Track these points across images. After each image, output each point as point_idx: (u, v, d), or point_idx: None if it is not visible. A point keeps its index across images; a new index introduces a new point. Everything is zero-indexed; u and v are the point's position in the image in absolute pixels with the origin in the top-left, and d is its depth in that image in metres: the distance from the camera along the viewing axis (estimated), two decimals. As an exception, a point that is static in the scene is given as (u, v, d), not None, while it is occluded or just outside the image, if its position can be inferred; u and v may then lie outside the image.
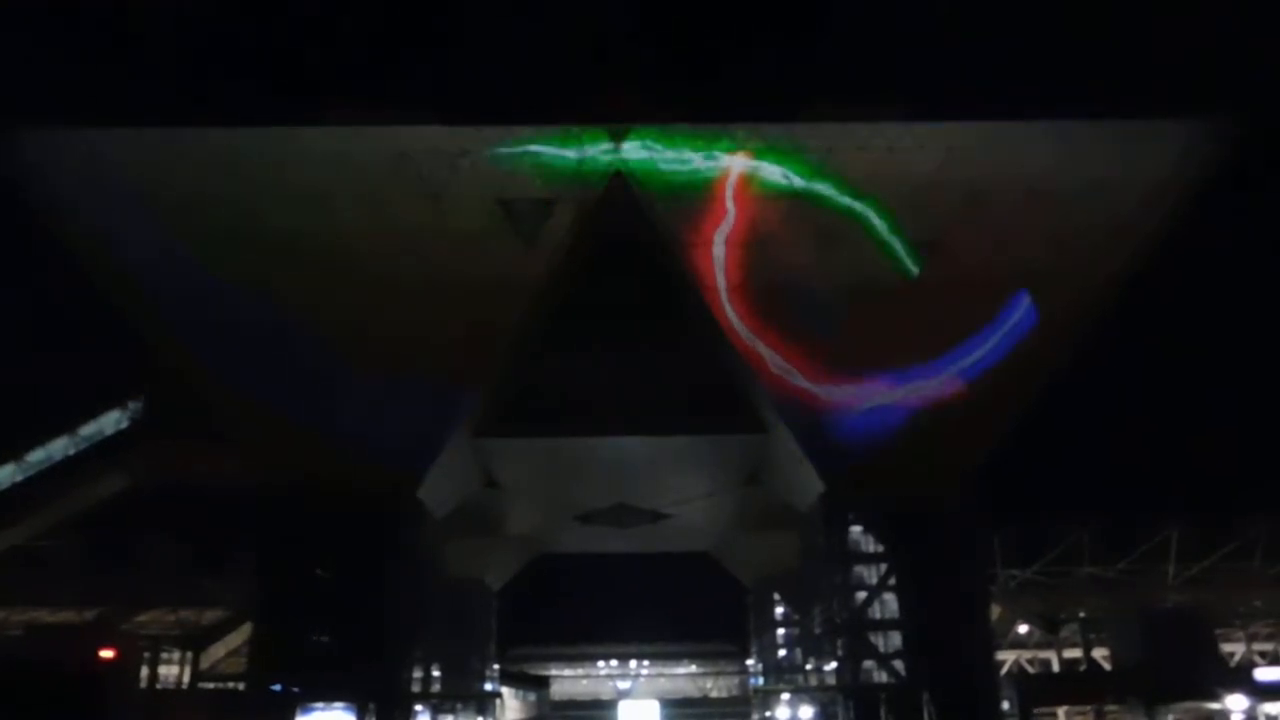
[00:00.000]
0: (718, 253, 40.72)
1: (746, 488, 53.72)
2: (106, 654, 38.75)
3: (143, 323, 42.19)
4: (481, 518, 54.83)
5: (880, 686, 43.79)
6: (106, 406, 53.53)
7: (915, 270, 40.18)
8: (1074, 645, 50.67)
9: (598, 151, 39.48)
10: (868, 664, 44.09)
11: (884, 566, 45.03)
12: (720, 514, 57.45)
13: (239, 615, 50.65)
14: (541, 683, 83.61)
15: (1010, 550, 51.51)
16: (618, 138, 39.36)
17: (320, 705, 42.12)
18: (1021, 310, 41.11)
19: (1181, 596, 50.30)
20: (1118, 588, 51.15)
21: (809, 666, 57.62)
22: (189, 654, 50.45)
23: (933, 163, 39.07)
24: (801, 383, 41.99)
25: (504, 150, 39.11)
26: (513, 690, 73.36)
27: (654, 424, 46.43)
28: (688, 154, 39.56)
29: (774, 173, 39.72)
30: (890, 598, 44.61)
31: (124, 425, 53.58)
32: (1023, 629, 53.28)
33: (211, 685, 51.08)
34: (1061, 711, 44.90)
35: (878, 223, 39.71)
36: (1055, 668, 52.23)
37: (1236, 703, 39.23)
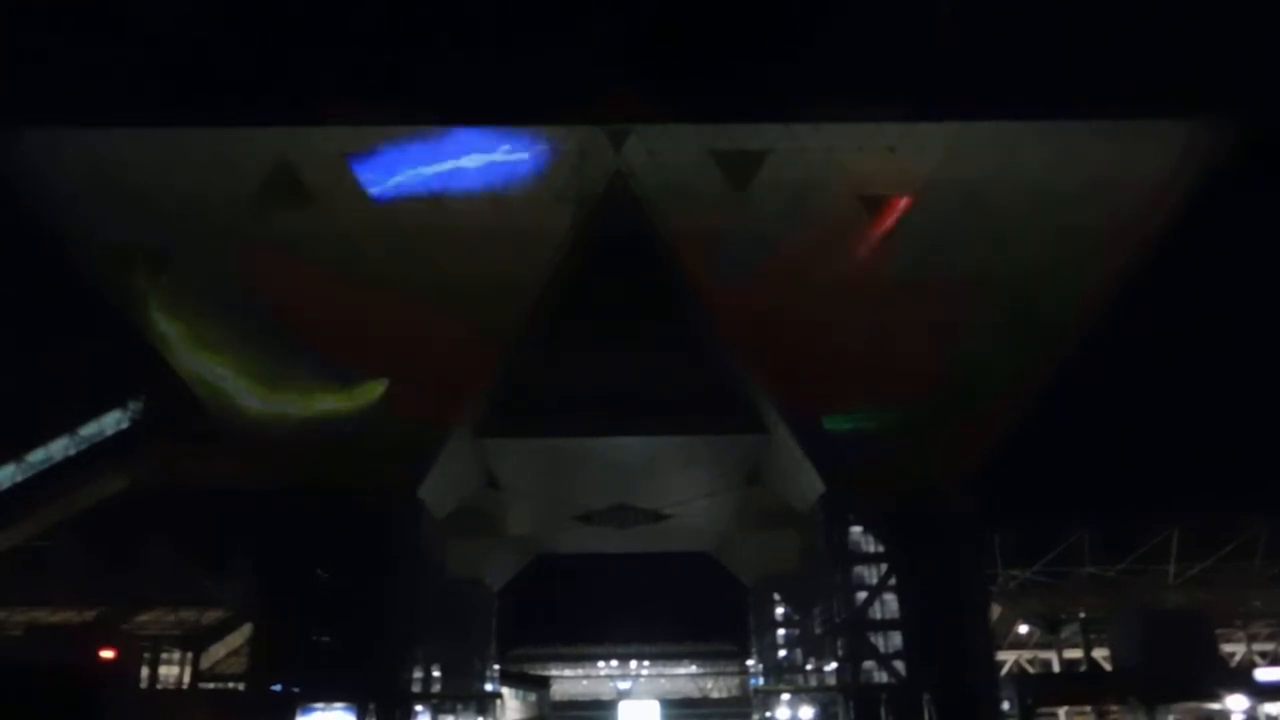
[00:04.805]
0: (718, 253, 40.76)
1: (746, 488, 53.74)
2: (106, 654, 38.90)
3: (142, 323, 42.25)
4: (481, 518, 54.85)
5: (880, 687, 43.79)
6: (106, 406, 53.55)
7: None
8: (1074, 645, 50.56)
9: (598, 151, 39.50)
10: (868, 664, 44.09)
11: (884, 566, 45.03)
12: (720, 514, 57.45)
13: (239, 615, 50.64)
14: (542, 683, 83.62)
15: (1010, 550, 51.47)
16: (618, 138, 39.36)
17: (320, 705, 42.18)
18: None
19: (1181, 596, 50.19)
20: (1118, 588, 51.08)
21: (809, 667, 57.65)
22: (189, 654, 50.46)
23: (933, 163, 39.09)
24: (801, 383, 42.01)
25: (504, 150, 39.14)
26: (513, 690, 73.38)
27: (654, 424, 46.48)
28: (688, 154, 39.55)
29: (774, 172, 39.74)
30: (890, 598, 44.61)
31: (124, 425, 53.60)
32: (1023, 629, 53.19)
33: (212, 685, 51.10)
34: (1062, 712, 44.85)
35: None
36: (1055, 668, 52.09)
37: (1237, 703, 39.19)
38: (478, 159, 39.00)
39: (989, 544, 49.37)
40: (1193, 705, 40.98)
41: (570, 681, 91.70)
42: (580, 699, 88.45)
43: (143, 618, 50.81)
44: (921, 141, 39.21)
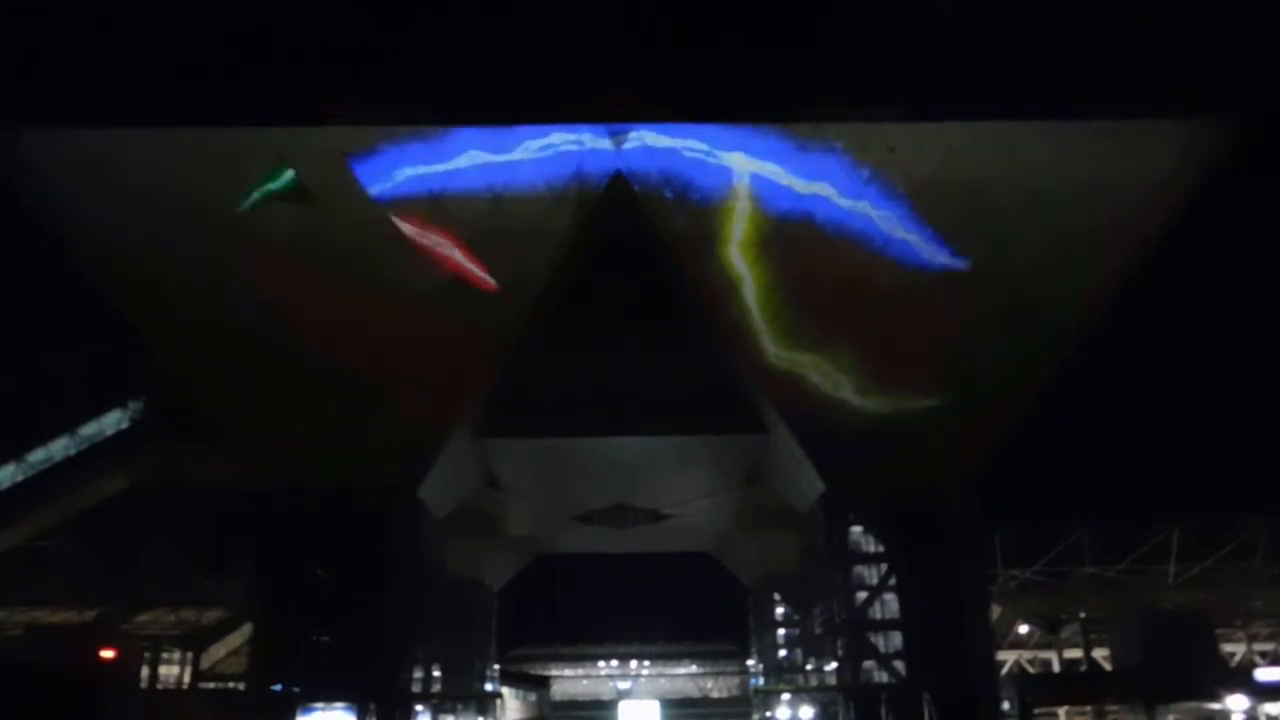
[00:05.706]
0: (719, 253, 40.78)
1: (746, 488, 53.78)
2: (106, 654, 38.90)
3: (143, 323, 42.23)
4: (481, 518, 54.88)
5: (880, 686, 43.83)
6: (106, 406, 53.52)
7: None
8: (1074, 645, 50.61)
9: (598, 151, 39.50)
10: (868, 664, 44.14)
11: (884, 566, 45.09)
12: (720, 514, 57.47)
13: (239, 615, 50.68)
14: (542, 683, 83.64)
15: (1010, 550, 51.49)
16: (618, 138, 39.36)
17: (320, 705, 42.23)
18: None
19: (1181, 596, 50.23)
20: (1118, 588, 51.12)
21: (809, 667, 57.70)
22: (189, 654, 50.49)
23: (933, 163, 39.09)
24: (802, 382, 42.01)
25: (504, 150, 39.13)
26: (513, 690, 73.42)
27: (654, 424, 46.52)
28: (688, 154, 39.55)
29: (775, 172, 39.75)
30: (890, 598, 44.66)
31: (124, 425, 53.56)
32: (1023, 629, 53.25)
33: (212, 685, 51.14)
34: (1062, 712, 44.86)
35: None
36: (1055, 668, 52.14)
37: (1237, 703, 39.20)
38: (478, 159, 39.03)
39: (989, 544, 49.39)
40: (1193, 705, 40.98)
41: (570, 681, 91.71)
42: (580, 699, 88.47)
43: (143, 618, 50.83)
44: (921, 141, 39.19)
